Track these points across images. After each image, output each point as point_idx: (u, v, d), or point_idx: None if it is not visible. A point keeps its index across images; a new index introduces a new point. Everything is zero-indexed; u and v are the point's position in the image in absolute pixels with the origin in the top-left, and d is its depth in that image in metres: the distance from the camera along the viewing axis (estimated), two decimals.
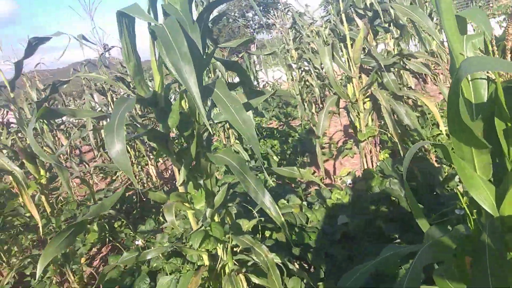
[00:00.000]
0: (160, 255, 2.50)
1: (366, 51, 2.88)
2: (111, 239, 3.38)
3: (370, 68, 2.93)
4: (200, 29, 1.74)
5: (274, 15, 6.08)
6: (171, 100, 1.93)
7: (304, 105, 5.62)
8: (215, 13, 2.88)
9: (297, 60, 5.58)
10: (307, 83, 5.64)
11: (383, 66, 2.55)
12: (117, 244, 3.25)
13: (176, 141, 4.20)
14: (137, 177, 4.89)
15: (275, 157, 4.37)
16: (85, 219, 1.42)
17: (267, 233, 2.74)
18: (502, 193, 1.02)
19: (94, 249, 3.54)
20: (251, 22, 27.13)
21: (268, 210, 1.36)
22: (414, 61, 2.97)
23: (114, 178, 5.42)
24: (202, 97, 1.61)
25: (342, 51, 3.04)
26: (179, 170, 1.83)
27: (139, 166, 4.73)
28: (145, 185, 4.76)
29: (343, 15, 2.73)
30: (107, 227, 3.52)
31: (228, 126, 4.47)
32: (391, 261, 1.40)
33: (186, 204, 1.88)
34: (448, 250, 0.98)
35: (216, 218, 2.01)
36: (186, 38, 1.33)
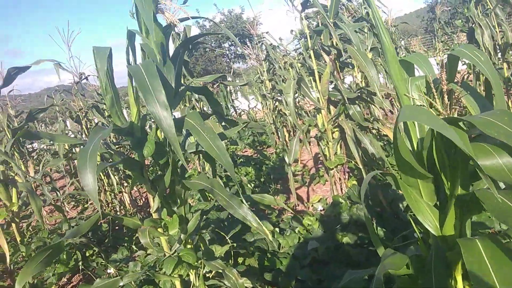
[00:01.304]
0: (133, 282, 2.50)
1: (334, 84, 3.07)
2: (82, 268, 3.33)
3: (337, 100, 3.12)
4: (177, 64, 1.86)
5: (249, 46, 6.32)
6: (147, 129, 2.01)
7: (278, 133, 5.79)
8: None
9: (271, 91, 5.79)
10: (280, 112, 5.83)
11: (346, 99, 2.74)
12: (89, 273, 3.20)
13: (151, 168, 4.22)
14: (110, 205, 4.84)
15: (249, 185, 4.45)
16: (62, 241, 1.46)
17: (240, 260, 2.79)
18: (444, 217, 1.15)
19: (64, 279, 3.46)
20: (227, 51, 27.68)
21: (249, 222, 1.44)
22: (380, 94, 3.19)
23: (86, 206, 5.33)
24: (177, 129, 1.71)
25: (312, 84, 3.23)
26: (153, 197, 1.89)
27: (112, 194, 4.69)
28: (118, 212, 4.72)
29: (311, 52, 2.93)
30: (78, 255, 3.47)
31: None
32: (352, 285, 1.50)
33: (160, 230, 1.93)
34: (397, 268, 1.09)
35: (189, 244, 2.06)
36: (161, 77, 1.44)
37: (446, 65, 1.05)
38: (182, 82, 3.49)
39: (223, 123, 1.93)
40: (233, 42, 27.60)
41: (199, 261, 2.03)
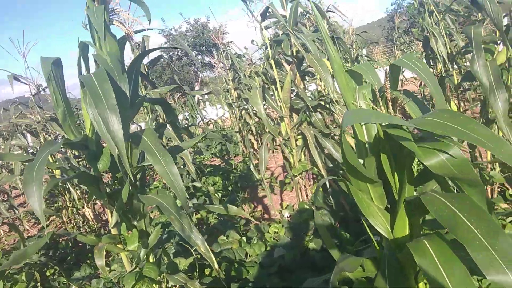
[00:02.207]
0: None
1: (296, 92, 3.12)
2: None
3: (300, 108, 3.17)
4: (133, 75, 1.83)
5: (214, 56, 6.33)
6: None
7: (244, 141, 5.80)
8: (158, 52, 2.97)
9: (237, 99, 5.80)
10: (247, 121, 5.85)
11: (310, 106, 2.79)
12: None
13: (115, 182, 4.11)
14: (72, 221, 4.67)
15: (216, 195, 4.42)
16: (4, 269, 1.39)
17: (207, 271, 2.76)
18: (394, 220, 1.19)
19: None
20: (194, 61, 27.55)
21: (198, 247, 1.42)
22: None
23: (47, 223, 5.12)
24: (135, 143, 1.68)
25: (274, 92, 3.27)
26: (111, 212, 1.84)
27: (75, 209, 4.53)
28: (81, 228, 4.55)
29: (272, 61, 2.98)
30: (38, 276, 3.32)
31: None
32: None
33: (119, 246, 1.88)
34: (351, 270, 1.11)
35: (151, 259, 2.02)
36: (115, 87, 1.41)
37: (389, 74, 1.09)
38: (144, 92, 3.44)
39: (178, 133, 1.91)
40: (199, 51, 27.51)
41: (162, 275, 1.99)
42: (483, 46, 2.66)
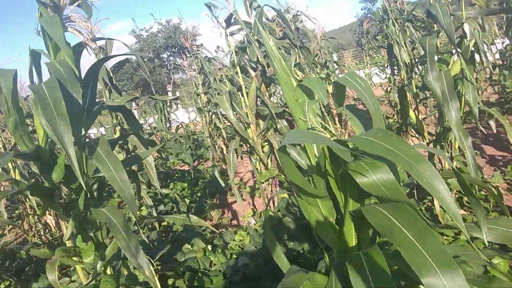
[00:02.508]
0: None
1: (261, 99, 3.14)
2: None
3: (266, 115, 3.19)
4: (90, 82, 1.79)
5: (185, 58, 6.26)
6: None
7: (215, 147, 5.78)
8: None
9: (206, 104, 5.78)
10: (217, 125, 5.83)
11: (274, 114, 2.81)
12: None
13: (71, 192, 3.99)
14: (33, 229, 4.50)
15: (184, 201, 4.38)
16: None
17: (170, 281, 2.72)
18: (342, 232, 1.21)
19: None
20: (166, 62, 27.21)
21: (142, 270, 1.39)
22: None
23: (5, 232, 4.91)
24: (91, 153, 1.64)
25: (240, 99, 3.27)
26: (66, 224, 1.79)
27: (36, 216, 4.37)
28: (43, 237, 4.40)
29: (238, 68, 2.98)
30: None
31: None
32: None
33: (74, 259, 1.83)
34: (296, 286, 1.12)
35: (109, 271, 1.97)
36: (68, 96, 1.38)
37: (334, 91, 1.12)
38: (108, 97, 3.37)
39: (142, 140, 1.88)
40: (172, 53, 27.19)
41: None
42: (439, 56, 2.77)
